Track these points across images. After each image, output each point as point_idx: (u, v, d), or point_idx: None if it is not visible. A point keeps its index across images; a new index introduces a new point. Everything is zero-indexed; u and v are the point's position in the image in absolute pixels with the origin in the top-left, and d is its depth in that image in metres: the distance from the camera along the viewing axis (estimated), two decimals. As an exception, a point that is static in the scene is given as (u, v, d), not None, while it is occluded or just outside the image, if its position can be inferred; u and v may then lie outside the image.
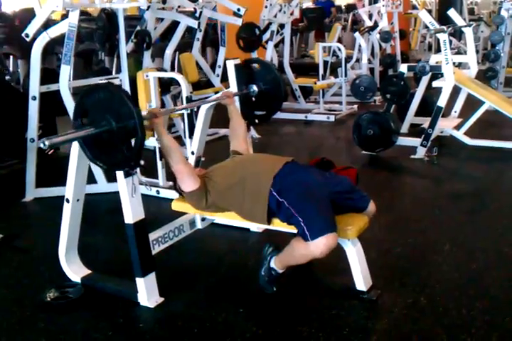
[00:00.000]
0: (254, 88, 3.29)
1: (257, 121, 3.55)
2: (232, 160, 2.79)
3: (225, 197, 2.60)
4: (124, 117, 2.23)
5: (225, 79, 4.99)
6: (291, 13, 7.52)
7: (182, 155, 2.57)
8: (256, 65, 3.39)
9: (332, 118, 6.88)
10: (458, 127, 5.41)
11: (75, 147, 2.59)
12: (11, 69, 7.44)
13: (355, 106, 7.48)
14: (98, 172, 4.16)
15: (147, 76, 3.71)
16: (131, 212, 2.49)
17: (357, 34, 8.40)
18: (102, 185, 4.17)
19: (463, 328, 2.34)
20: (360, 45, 8.31)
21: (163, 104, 5.00)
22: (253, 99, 3.30)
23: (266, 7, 6.90)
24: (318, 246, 2.34)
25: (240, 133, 3.07)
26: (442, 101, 4.93)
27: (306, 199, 2.45)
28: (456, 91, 5.32)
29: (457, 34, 9.64)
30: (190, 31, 7.00)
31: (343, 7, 14.52)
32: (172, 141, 2.56)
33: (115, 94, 2.26)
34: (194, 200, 2.66)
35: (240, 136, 3.05)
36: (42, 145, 2.11)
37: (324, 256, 2.37)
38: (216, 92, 4.88)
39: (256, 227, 3.32)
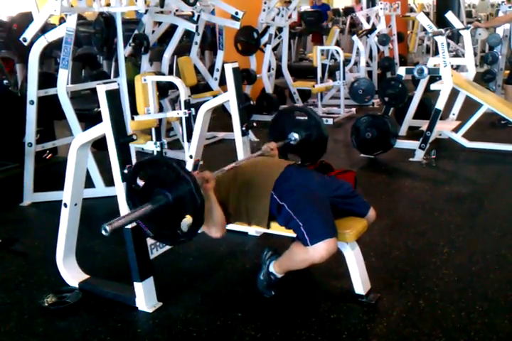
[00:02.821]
0: (296, 136, 3.24)
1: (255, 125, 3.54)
2: (234, 170, 2.76)
3: (234, 205, 2.59)
4: (180, 188, 2.15)
5: (223, 82, 4.99)
6: (289, 17, 7.53)
7: (223, 220, 2.51)
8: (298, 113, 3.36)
9: (330, 121, 6.88)
10: (456, 130, 5.42)
11: (73, 151, 2.59)
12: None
13: (354, 109, 7.48)
14: (96, 176, 4.16)
15: (145, 80, 3.71)
16: (129, 216, 2.48)
17: (355, 37, 8.42)
18: (100, 190, 4.16)
19: (462, 331, 2.33)
20: (358, 48, 8.32)
21: (161, 108, 5.00)
22: (292, 146, 3.27)
23: (264, 10, 6.91)
24: (319, 251, 2.34)
25: None
26: (440, 104, 4.94)
27: (307, 203, 2.44)
28: (454, 93, 5.32)
29: (455, 37, 9.67)
30: (188, 35, 7.01)
31: (341, 10, 14.56)
32: (218, 206, 2.47)
33: (167, 166, 2.19)
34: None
35: None
36: (104, 232, 2.04)
37: (324, 261, 2.37)
38: (214, 96, 4.88)
39: (254, 231, 3.32)
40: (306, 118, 3.29)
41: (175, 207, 2.19)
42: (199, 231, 2.76)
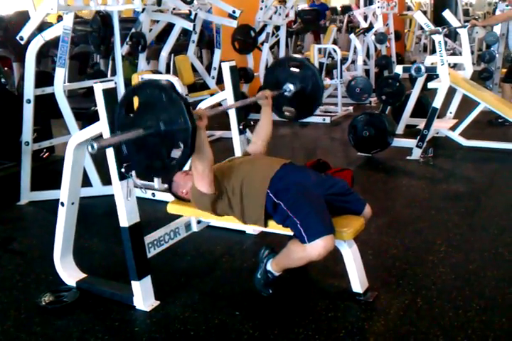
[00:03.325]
0: (291, 87, 3.15)
1: (252, 123, 3.52)
2: (230, 163, 2.77)
3: (229, 200, 2.58)
4: (176, 121, 2.10)
5: (220, 81, 4.99)
6: (287, 15, 7.53)
7: (212, 161, 2.47)
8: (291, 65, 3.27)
9: (328, 119, 6.88)
10: (453, 128, 5.42)
11: (70, 150, 2.59)
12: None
13: (351, 108, 7.48)
14: (93, 175, 4.15)
15: (142, 78, 3.70)
16: (127, 215, 2.48)
17: (352, 36, 8.42)
18: (97, 188, 4.16)
19: (460, 329, 2.34)
20: (355, 47, 8.32)
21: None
22: (287, 98, 3.18)
23: (261, 9, 6.91)
24: (316, 249, 2.34)
25: (264, 135, 2.95)
26: (438, 102, 4.94)
27: (303, 200, 2.44)
28: (451, 92, 5.33)
29: (452, 35, 9.67)
30: (185, 33, 7.01)
31: (339, 9, 14.56)
32: (208, 143, 2.42)
33: (169, 94, 2.12)
34: (203, 202, 2.59)
35: (263, 139, 2.94)
36: (90, 149, 1.98)
37: (322, 258, 2.37)
38: (212, 94, 4.88)
39: (252, 229, 3.32)
40: (301, 69, 3.21)
41: (166, 134, 2.13)
42: (193, 229, 2.76)
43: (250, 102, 3.02)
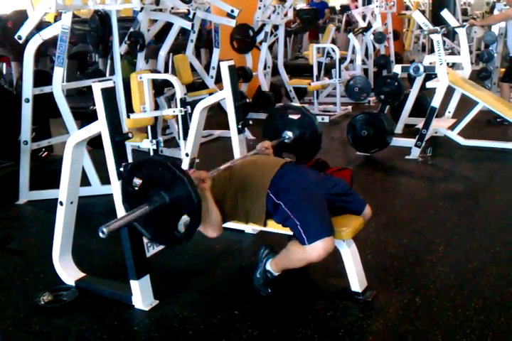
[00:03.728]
0: (290, 135, 3.23)
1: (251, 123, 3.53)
2: (229, 171, 2.74)
3: (232, 207, 2.58)
4: (177, 188, 2.14)
5: (219, 80, 4.99)
6: (285, 15, 7.53)
7: (220, 220, 2.49)
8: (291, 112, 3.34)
9: (326, 119, 6.89)
10: (452, 127, 5.43)
11: (69, 149, 2.59)
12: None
13: (350, 107, 7.49)
14: (92, 174, 4.15)
15: (141, 78, 3.70)
16: (125, 215, 2.48)
17: (351, 35, 8.41)
18: (96, 188, 4.16)
19: (458, 328, 2.34)
20: (354, 46, 8.32)
21: (156, 106, 4.99)
22: (287, 144, 3.26)
23: (259, 8, 6.90)
24: (316, 250, 2.34)
25: None
26: (436, 102, 4.95)
27: (303, 201, 2.44)
28: (449, 91, 5.33)
29: (451, 35, 9.66)
30: (183, 33, 7.00)
31: (337, 8, 14.56)
32: (214, 206, 2.45)
33: (162, 167, 2.18)
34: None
35: None
36: (101, 234, 2.04)
37: (321, 260, 2.37)
38: (210, 94, 4.87)
39: (251, 229, 3.32)
40: (299, 116, 3.28)
41: (172, 208, 2.18)
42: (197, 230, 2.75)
43: (252, 154, 3.03)
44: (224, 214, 2.54)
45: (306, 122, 3.23)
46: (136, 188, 2.25)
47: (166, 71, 6.25)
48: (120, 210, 2.48)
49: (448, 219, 3.55)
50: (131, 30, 5.49)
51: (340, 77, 7.17)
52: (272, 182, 2.51)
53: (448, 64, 5.48)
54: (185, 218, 2.15)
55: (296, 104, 3.74)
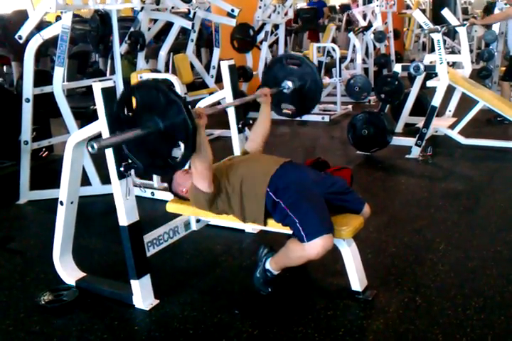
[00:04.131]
0: (290, 85, 3.14)
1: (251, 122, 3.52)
2: (230, 162, 2.76)
3: (228, 199, 2.58)
4: (171, 113, 2.09)
5: (219, 79, 4.99)
6: (286, 14, 7.53)
7: (211, 160, 2.46)
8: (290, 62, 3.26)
9: (327, 118, 6.89)
10: (452, 126, 5.42)
11: (69, 149, 2.59)
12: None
13: (350, 106, 7.48)
14: (92, 174, 4.15)
15: (141, 77, 3.70)
16: (126, 214, 2.48)
17: (351, 34, 8.41)
18: (96, 187, 4.16)
19: (458, 327, 2.34)
20: (354, 45, 8.32)
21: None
22: (286, 95, 3.17)
23: (260, 8, 6.90)
24: (315, 248, 2.34)
25: (262, 133, 2.95)
26: (436, 101, 4.94)
27: (302, 199, 2.44)
28: (450, 90, 5.33)
29: (451, 34, 9.66)
30: (184, 32, 7.00)
31: (338, 7, 14.54)
32: (207, 142, 2.41)
33: (157, 90, 2.13)
34: (202, 201, 2.59)
35: (260, 137, 2.94)
36: (90, 149, 1.97)
37: (320, 257, 2.37)
38: (211, 93, 4.87)
39: (251, 228, 3.32)
40: (300, 66, 3.20)
41: (166, 133, 2.12)
42: (193, 228, 2.76)
43: (249, 100, 3.02)
44: (218, 206, 2.55)
45: (306, 72, 3.15)
46: (131, 114, 2.20)
47: (167, 70, 6.25)
48: (120, 209, 2.48)
49: (448, 218, 3.55)
50: (132, 29, 5.49)
51: (340, 76, 7.16)
52: (271, 181, 2.51)
53: (448, 63, 5.48)
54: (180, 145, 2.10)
55: (298, 53, 3.67)
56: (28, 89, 4.02)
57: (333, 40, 9.37)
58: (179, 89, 3.83)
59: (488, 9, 10.90)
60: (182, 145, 2.15)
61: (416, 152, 5.01)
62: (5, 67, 7.86)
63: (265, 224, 2.56)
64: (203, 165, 2.41)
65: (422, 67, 5.02)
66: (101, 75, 6.15)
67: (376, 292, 2.62)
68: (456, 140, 5.31)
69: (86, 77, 6.61)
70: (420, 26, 8.72)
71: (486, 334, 2.28)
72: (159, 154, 2.20)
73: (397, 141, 5.26)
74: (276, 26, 7.51)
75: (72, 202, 2.70)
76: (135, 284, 2.57)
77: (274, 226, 2.55)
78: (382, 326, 2.38)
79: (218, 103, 4.13)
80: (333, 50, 7.39)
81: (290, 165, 2.65)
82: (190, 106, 2.15)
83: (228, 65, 3.26)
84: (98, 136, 2.46)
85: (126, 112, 2.26)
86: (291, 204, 2.44)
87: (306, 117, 6.83)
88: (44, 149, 5.06)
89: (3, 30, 6.92)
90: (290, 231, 2.46)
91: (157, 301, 2.63)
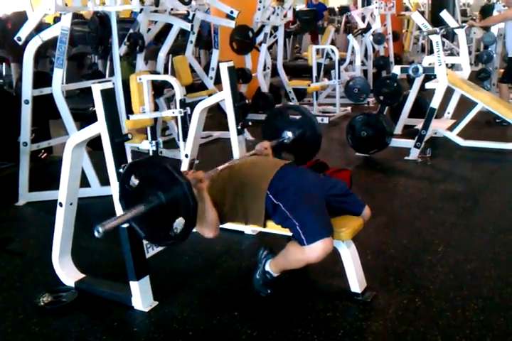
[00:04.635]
0: (289, 135, 3.22)
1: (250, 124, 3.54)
2: (230, 171, 2.74)
3: (231, 207, 2.58)
4: (174, 190, 2.15)
5: (218, 81, 4.99)
6: (285, 16, 7.53)
7: (217, 220, 2.51)
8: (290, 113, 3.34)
9: (326, 120, 6.89)
10: (451, 128, 5.43)
11: (68, 151, 2.59)
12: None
13: (349, 108, 7.49)
14: (91, 175, 4.15)
15: (140, 79, 3.70)
16: (125, 216, 2.48)
17: (350, 36, 8.43)
18: (96, 189, 4.16)
19: (458, 329, 2.34)
20: (353, 47, 8.33)
21: (156, 107, 4.99)
22: (286, 145, 3.26)
23: (259, 9, 6.91)
24: (315, 251, 2.34)
25: None
26: (435, 103, 4.95)
27: (302, 202, 2.44)
28: (449, 92, 5.34)
29: (450, 35, 9.68)
30: (183, 34, 7.00)
31: (337, 9, 14.56)
32: (211, 206, 2.47)
33: (161, 168, 2.19)
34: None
35: None
36: (96, 234, 2.03)
37: (320, 260, 2.37)
38: (210, 95, 4.88)
39: (250, 230, 3.32)
40: (299, 116, 3.28)
41: (168, 209, 2.18)
42: (193, 231, 2.76)
43: (251, 155, 3.03)
44: (222, 215, 2.54)
45: (306, 122, 3.23)
46: (134, 186, 2.25)
47: (166, 72, 6.25)
48: (119, 211, 2.48)
49: (447, 220, 3.56)
50: (131, 31, 5.49)
51: (339, 78, 7.17)
52: (271, 184, 2.51)
53: (447, 65, 5.49)
54: (180, 220, 2.15)
55: (296, 104, 3.74)
56: (28, 91, 4.02)
57: (332, 42, 9.38)
58: (178, 90, 3.83)
59: (485, 11, 10.93)
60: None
61: (415, 154, 5.02)
62: (4, 69, 7.85)
63: (265, 226, 2.56)
64: (208, 229, 2.49)
65: (420, 69, 5.02)
66: (100, 77, 6.15)
67: (375, 293, 2.63)
68: (455, 142, 5.32)
69: (85, 78, 6.62)
70: (419, 28, 8.74)
71: (486, 336, 2.28)
72: (161, 226, 2.25)
73: (396, 142, 5.26)
74: (275, 28, 7.52)
75: (71, 204, 2.70)
76: (134, 285, 2.57)
77: (273, 228, 2.56)
78: (381, 327, 2.38)
79: (217, 104, 4.14)
80: (332, 51, 7.40)
81: (290, 168, 2.65)
82: (191, 182, 2.20)
83: (227, 66, 3.26)
84: (98, 138, 2.47)
85: (130, 183, 2.29)
86: (291, 206, 2.44)
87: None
88: (43, 151, 5.05)
89: (3, 31, 6.92)
90: (290, 233, 2.46)
91: (156, 302, 2.63)
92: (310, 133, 3.24)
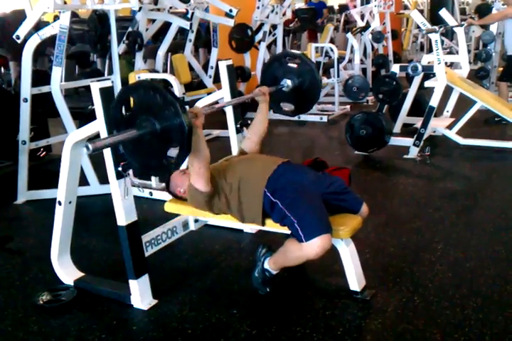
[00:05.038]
0: (288, 83, 3.12)
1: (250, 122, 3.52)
2: (228, 162, 2.76)
3: (227, 200, 2.57)
4: (167, 114, 2.08)
5: (217, 80, 4.99)
6: (284, 14, 7.53)
7: (209, 159, 2.46)
8: (289, 61, 3.23)
9: (325, 118, 6.89)
10: (450, 127, 5.43)
11: (67, 149, 2.59)
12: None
13: (348, 107, 7.49)
14: (90, 174, 4.15)
15: (139, 77, 3.70)
16: (124, 214, 2.48)
17: (349, 34, 8.42)
18: (95, 187, 4.16)
19: (457, 327, 2.34)
20: (352, 46, 8.33)
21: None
22: (285, 93, 3.15)
23: (258, 8, 6.91)
24: (313, 248, 2.34)
25: (259, 132, 2.92)
26: (434, 101, 4.95)
27: (300, 199, 2.44)
28: (448, 91, 5.34)
29: (449, 34, 9.68)
30: (182, 32, 7.01)
31: (336, 8, 14.55)
32: (204, 142, 2.42)
33: (154, 91, 2.12)
34: (200, 201, 2.59)
35: (257, 135, 2.92)
36: (85, 150, 1.98)
37: (319, 257, 2.37)
38: (209, 93, 4.88)
39: (249, 228, 3.32)
40: (298, 64, 3.18)
41: (161, 135, 2.12)
42: (192, 230, 2.76)
43: (247, 99, 3.01)
44: (213, 203, 2.55)
45: (305, 70, 3.13)
46: (127, 114, 2.20)
47: (165, 70, 6.25)
48: (119, 209, 2.48)
49: (446, 218, 3.56)
50: (130, 29, 5.49)
51: (338, 76, 7.17)
52: (269, 181, 2.51)
53: (446, 63, 5.49)
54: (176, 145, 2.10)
55: (297, 51, 3.64)
56: (26, 89, 4.01)
57: (331, 41, 9.38)
58: (177, 89, 3.84)
59: (481, 9, 10.92)
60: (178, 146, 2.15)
61: (414, 152, 5.02)
62: (2, 67, 7.85)
63: (263, 225, 2.56)
64: (199, 164, 2.41)
65: (419, 68, 5.02)
66: (99, 75, 6.15)
67: (374, 292, 2.63)
68: (454, 140, 5.31)
69: (84, 77, 6.62)
70: (418, 27, 8.73)
71: (485, 334, 2.29)
72: (154, 155, 2.20)
73: (395, 141, 5.26)
74: (274, 26, 7.52)
75: (70, 202, 2.70)
76: (133, 284, 2.57)
77: (272, 226, 2.55)
78: (380, 326, 2.38)
79: (216, 103, 4.13)
80: (331, 50, 7.40)
81: (288, 166, 2.65)
82: (187, 107, 2.14)
83: (226, 65, 3.26)
84: (96, 137, 2.46)
85: (123, 112, 2.25)
86: (289, 204, 2.44)
87: (304, 117, 6.85)
88: (42, 149, 5.05)
89: (1, 30, 6.92)
90: (288, 231, 2.46)
91: (155, 301, 2.63)
92: (309, 82, 3.12)
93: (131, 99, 2.25)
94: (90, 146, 1.97)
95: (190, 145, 2.15)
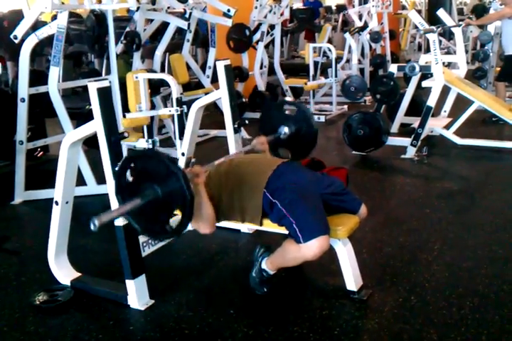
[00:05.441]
0: (286, 130, 3.18)
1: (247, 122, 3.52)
2: (227, 168, 2.74)
3: (228, 207, 2.58)
4: (170, 183, 2.12)
5: (215, 80, 4.99)
6: (281, 14, 7.52)
7: (213, 217, 2.49)
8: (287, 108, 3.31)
9: (322, 118, 6.89)
10: (448, 127, 5.44)
11: (64, 149, 2.58)
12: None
13: (346, 107, 7.50)
14: (87, 174, 4.15)
15: (137, 77, 3.69)
16: (121, 214, 2.48)
17: (347, 34, 8.42)
18: (92, 187, 4.15)
19: (453, 327, 2.34)
20: (350, 46, 8.33)
21: (153, 106, 4.99)
22: (283, 140, 3.21)
23: (256, 8, 6.90)
24: (311, 249, 2.34)
25: None
26: (432, 101, 4.96)
27: (299, 200, 2.44)
28: (445, 91, 5.34)
29: (447, 34, 9.68)
30: (180, 32, 7.00)
31: (333, 7, 14.56)
32: (207, 201, 2.45)
33: (157, 160, 2.17)
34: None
35: None
36: (92, 227, 2.00)
37: (316, 258, 2.38)
38: (206, 93, 4.87)
39: (247, 228, 3.32)
40: (295, 112, 3.25)
41: (164, 202, 2.16)
42: (189, 228, 2.76)
43: (248, 151, 3.03)
44: (219, 212, 2.54)
45: (301, 117, 3.20)
46: (130, 181, 2.23)
47: (162, 70, 6.24)
48: (114, 206, 2.48)
49: (443, 218, 3.56)
50: (128, 29, 5.48)
51: (336, 76, 7.17)
52: (269, 182, 2.51)
53: (444, 63, 5.50)
54: (177, 217, 2.14)
55: (292, 99, 3.70)
56: (24, 89, 4.01)
57: (329, 41, 9.37)
58: (175, 89, 3.83)
59: (477, 10, 10.95)
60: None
61: (411, 152, 5.02)
62: (0, 67, 7.84)
63: (261, 224, 2.56)
64: (204, 224, 2.46)
65: (417, 68, 5.03)
66: (96, 75, 6.14)
67: (371, 291, 2.63)
68: (452, 140, 5.32)
69: (81, 77, 6.61)
70: (416, 27, 8.72)
71: (481, 334, 2.29)
72: (156, 220, 2.24)
73: (393, 141, 5.26)
74: (272, 26, 7.51)
75: (67, 202, 2.70)
76: (130, 284, 2.57)
77: (269, 226, 2.55)
78: (377, 325, 2.38)
79: (214, 103, 4.14)
80: (329, 50, 7.40)
81: (287, 166, 2.65)
82: (188, 176, 2.18)
83: (224, 65, 3.26)
84: (94, 137, 2.46)
85: (127, 178, 2.28)
86: (288, 204, 2.44)
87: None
88: (39, 149, 5.05)
89: (-1, 29, 6.92)
90: (286, 231, 2.46)
91: (152, 301, 2.62)
92: (306, 129, 3.19)
93: (134, 167, 2.27)
94: (97, 222, 2.00)
95: (192, 213, 2.17)
